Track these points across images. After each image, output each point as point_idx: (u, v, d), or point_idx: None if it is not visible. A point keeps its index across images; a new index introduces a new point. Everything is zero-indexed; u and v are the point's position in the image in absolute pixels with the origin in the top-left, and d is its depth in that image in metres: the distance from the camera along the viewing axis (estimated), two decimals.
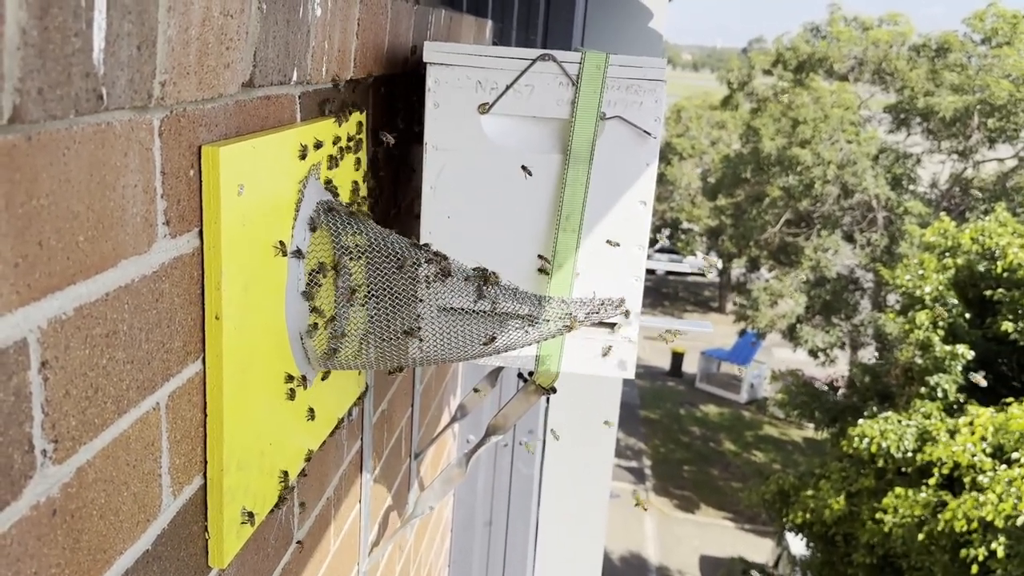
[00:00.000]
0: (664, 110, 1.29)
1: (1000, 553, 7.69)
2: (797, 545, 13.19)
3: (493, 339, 1.19)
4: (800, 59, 21.08)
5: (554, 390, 1.44)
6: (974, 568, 7.87)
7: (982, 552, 7.83)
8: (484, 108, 1.29)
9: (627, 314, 1.35)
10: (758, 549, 16.71)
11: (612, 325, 1.37)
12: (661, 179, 27.53)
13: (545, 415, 3.39)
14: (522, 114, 1.29)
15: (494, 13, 2.67)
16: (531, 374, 1.43)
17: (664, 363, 24.62)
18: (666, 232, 29.71)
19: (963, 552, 7.99)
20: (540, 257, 1.33)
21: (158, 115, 0.73)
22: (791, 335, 20.52)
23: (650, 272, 31.83)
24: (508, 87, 1.28)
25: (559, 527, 3.77)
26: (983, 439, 8.59)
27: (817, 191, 19.99)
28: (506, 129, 1.30)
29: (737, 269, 25.41)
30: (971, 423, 8.82)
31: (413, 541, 2.20)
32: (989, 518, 7.78)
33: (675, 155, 27.54)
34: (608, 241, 1.33)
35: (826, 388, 13.82)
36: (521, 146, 1.31)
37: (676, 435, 21.52)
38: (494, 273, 1.21)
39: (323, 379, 1.19)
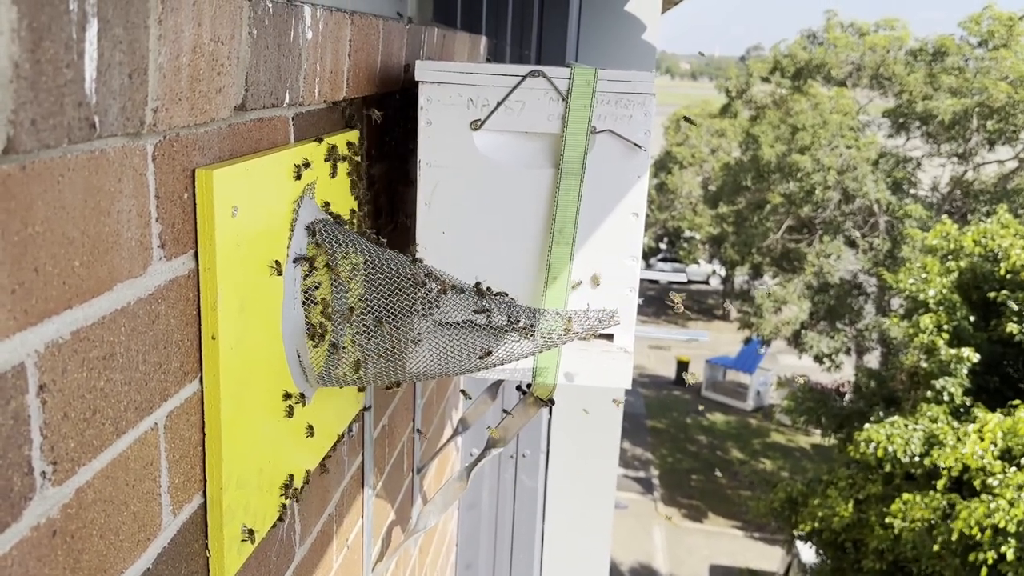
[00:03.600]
0: (654, 123, 1.30)
1: (1010, 556, 7.66)
2: (807, 553, 13.14)
3: (489, 353, 1.20)
4: (798, 66, 21.15)
5: (552, 402, 1.45)
6: (983, 572, 7.83)
7: (991, 556, 7.79)
8: (476, 125, 1.30)
9: (622, 325, 1.36)
10: (768, 557, 16.64)
11: (608, 336, 1.39)
12: (662, 188, 27.58)
13: (548, 426, 3.40)
14: (514, 130, 1.31)
15: (488, 29, 2.70)
16: (529, 387, 1.44)
17: (669, 372, 24.59)
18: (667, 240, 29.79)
19: (971, 555, 7.96)
20: None
21: (151, 141, 0.74)
22: (796, 341, 20.49)
23: (653, 282, 31.84)
24: (499, 103, 1.29)
25: (565, 538, 3.76)
26: (993, 444, 8.57)
27: (818, 197, 20.01)
28: (498, 145, 1.32)
29: (740, 276, 25.40)
30: (980, 430, 8.80)
31: (417, 556, 2.20)
32: (1001, 525, 7.75)
33: (675, 164, 27.60)
34: (601, 253, 1.34)
35: (832, 393, 13.82)
36: (513, 161, 1.32)
37: (683, 444, 21.47)
38: (489, 287, 1.23)
39: (323, 396, 1.20)
